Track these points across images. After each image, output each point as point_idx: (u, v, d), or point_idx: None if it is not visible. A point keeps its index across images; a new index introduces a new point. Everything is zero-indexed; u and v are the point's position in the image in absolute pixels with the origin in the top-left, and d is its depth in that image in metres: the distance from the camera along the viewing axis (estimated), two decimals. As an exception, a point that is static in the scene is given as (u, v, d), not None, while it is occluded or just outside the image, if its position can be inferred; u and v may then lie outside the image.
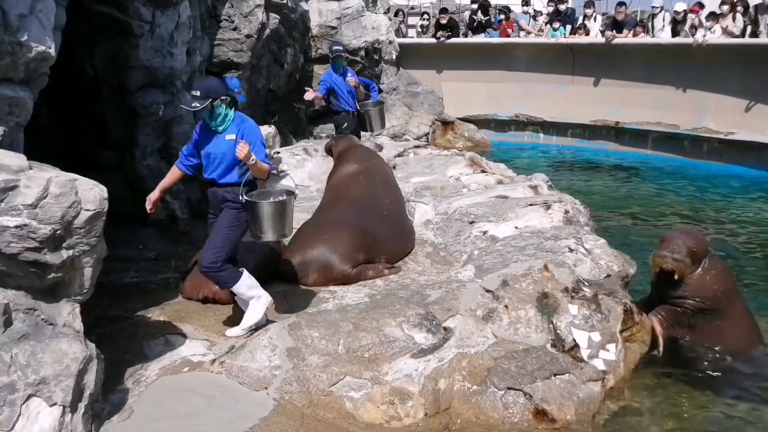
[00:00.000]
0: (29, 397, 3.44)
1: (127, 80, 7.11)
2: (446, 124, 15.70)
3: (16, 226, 3.46)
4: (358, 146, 7.52)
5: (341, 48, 9.16)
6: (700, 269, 5.44)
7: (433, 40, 16.23)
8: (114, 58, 7.09)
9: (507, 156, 13.91)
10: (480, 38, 16.35)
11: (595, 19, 15.39)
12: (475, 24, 16.54)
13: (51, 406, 3.48)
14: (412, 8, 20.15)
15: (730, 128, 13.14)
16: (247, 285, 4.72)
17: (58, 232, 3.57)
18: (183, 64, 7.60)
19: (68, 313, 3.81)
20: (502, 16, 16.73)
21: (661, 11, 14.67)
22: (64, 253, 3.65)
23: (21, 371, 3.44)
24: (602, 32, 14.80)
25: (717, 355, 5.37)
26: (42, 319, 3.69)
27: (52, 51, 4.30)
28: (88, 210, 3.66)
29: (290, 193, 4.76)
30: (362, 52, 14.22)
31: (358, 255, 5.80)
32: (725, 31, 13.21)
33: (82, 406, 3.61)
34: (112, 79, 7.17)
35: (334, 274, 5.67)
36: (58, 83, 5.29)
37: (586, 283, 5.28)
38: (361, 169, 6.88)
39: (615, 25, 14.53)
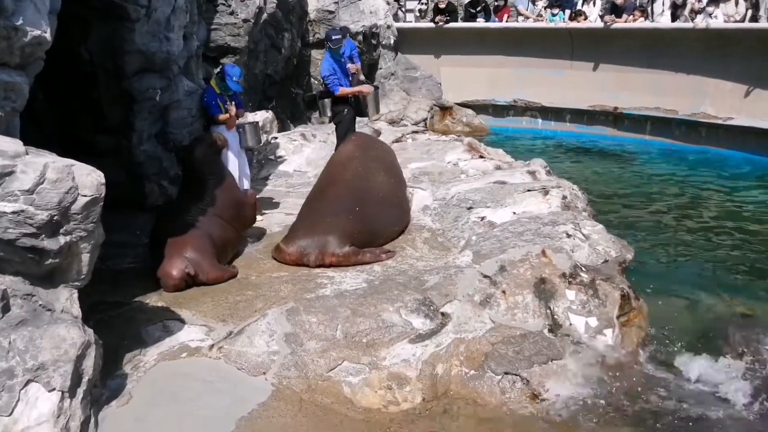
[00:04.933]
0: (28, 382, 3.44)
1: (123, 65, 7.06)
2: (444, 109, 15.63)
3: (13, 212, 3.45)
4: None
5: (340, 36, 9.07)
6: None
7: (432, 25, 16.13)
8: (110, 43, 7.03)
9: (505, 141, 13.89)
10: (478, 23, 16.26)
11: (594, 3, 15.29)
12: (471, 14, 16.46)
13: (50, 391, 3.48)
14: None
15: (729, 113, 13.11)
16: None
17: (55, 218, 3.56)
18: (179, 49, 7.55)
19: (66, 298, 3.81)
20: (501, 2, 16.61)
21: (660, -5, 14.58)
22: (62, 239, 3.64)
23: (19, 357, 3.44)
24: (601, 17, 14.70)
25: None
26: (40, 304, 3.69)
27: (48, 35, 4.26)
28: (85, 195, 3.65)
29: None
30: (360, 37, 14.13)
31: (356, 238, 5.89)
32: (726, 16, 13.16)
33: (80, 392, 3.62)
34: (108, 64, 7.11)
35: (333, 254, 5.75)
36: (54, 68, 5.25)
37: (583, 269, 5.29)
38: (358, 149, 6.94)
39: (614, 9, 14.44)
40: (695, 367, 4.95)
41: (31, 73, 4.36)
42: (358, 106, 8.86)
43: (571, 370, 4.56)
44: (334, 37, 8.67)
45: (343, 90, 8.60)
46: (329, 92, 8.67)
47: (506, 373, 4.47)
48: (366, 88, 8.97)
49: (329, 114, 8.94)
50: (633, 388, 4.76)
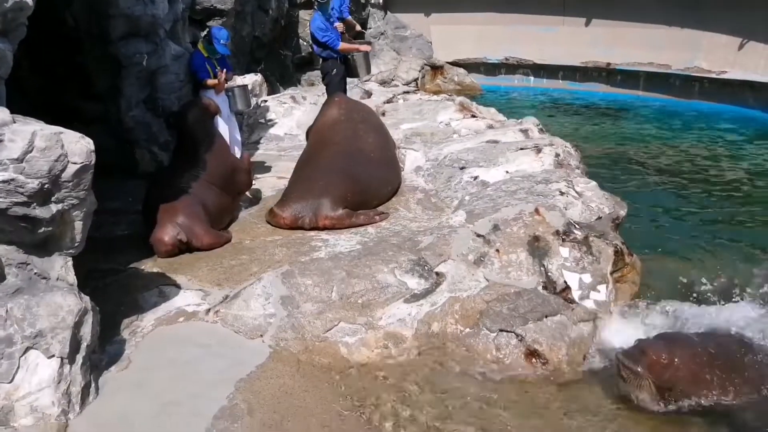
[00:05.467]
0: (27, 349, 3.47)
1: (109, 29, 6.95)
2: (435, 68, 15.49)
3: (3, 181, 3.43)
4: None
5: None
6: None
7: (421, -18, 15.90)
8: (93, 7, 6.91)
9: (497, 100, 13.80)
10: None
11: (586, -43, 15.04)
12: None
13: (49, 358, 3.51)
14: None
15: (723, 67, 13.03)
16: None
17: (46, 186, 3.54)
18: (165, 12, 7.42)
19: (61, 266, 3.81)
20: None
21: (653, -52, 14.35)
22: (54, 207, 3.62)
23: (17, 325, 3.46)
24: (593, -30, 14.51)
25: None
26: (35, 273, 3.69)
27: (30, 0, 4.18)
28: (75, 163, 3.62)
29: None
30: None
31: (349, 200, 5.89)
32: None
33: (80, 358, 3.65)
34: (93, 29, 7.01)
35: (327, 216, 5.76)
36: (39, 35, 5.16)
37: (576, 226, 5.31)
38: (344, 112, 6.91)
39: (606, -38, 14.24)
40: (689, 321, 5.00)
41: (14, 40, 4.28)
42: (348, 66, 8.79)
43: (565, 326, 4.61)
44: None
45: (344, 45, 8.57)
46: (326, 47, 8.59)
47: (501, 330, 4.52)
48: (364, 47, 8.95)
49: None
50: (626, 342, 4.82)
